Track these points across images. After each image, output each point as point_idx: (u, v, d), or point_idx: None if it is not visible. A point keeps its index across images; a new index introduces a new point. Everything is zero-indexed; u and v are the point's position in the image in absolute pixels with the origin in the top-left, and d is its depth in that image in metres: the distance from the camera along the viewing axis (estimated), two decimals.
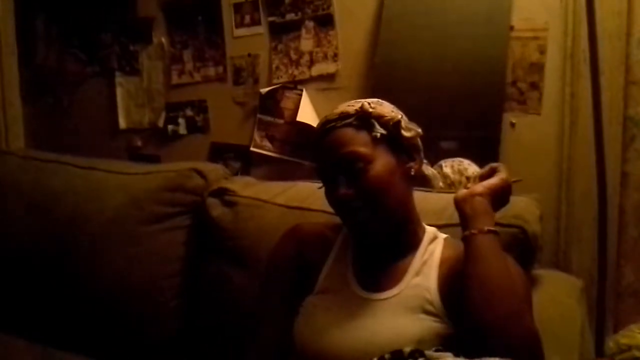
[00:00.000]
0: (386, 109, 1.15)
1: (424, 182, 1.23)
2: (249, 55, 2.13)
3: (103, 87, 2.41)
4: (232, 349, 1.45)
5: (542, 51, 1.73)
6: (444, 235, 1.21)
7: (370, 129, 1.12)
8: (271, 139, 2.09)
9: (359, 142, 1.11)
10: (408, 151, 1.16)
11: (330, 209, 1.18)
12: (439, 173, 1.60)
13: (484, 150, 1.71)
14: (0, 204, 1.89)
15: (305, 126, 1.95)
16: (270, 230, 1.43)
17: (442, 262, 1.13)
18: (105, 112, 2.40)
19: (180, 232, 1.66)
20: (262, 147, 2.11)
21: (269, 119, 2.09)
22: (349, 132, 1.12)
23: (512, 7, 1.74)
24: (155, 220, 1.66)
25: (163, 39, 2.27)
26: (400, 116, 1.15)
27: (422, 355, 0.97)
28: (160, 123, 2.30)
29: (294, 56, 2.05)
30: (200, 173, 1.70)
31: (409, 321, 1.07)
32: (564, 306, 1.36)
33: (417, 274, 1.13)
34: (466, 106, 1.76)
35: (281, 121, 2.07)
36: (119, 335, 1.64)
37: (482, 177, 1.12)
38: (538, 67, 1.74)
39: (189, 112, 2.25)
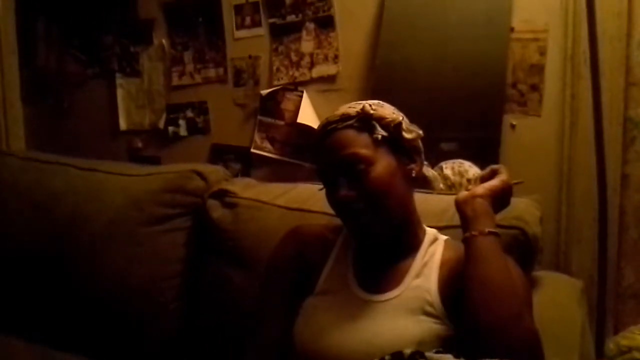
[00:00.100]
0: (387, 110, 1.15)
1: (425, 184, 1.23)
2: (250, 56, 2.13)
3: (103, 88, 2.41)
4: (232, 350, 1.45)
5: (543, 53, 1.74)
6: (445, 237, 1.21)
7: (371, 130, 1.12)
8: (272, 141, 2.09)
9: (360, 143, 1.11)
10: (409, 153, 1.16)
11: (331, 211, 1.18)
12: (439, 174, 1.60)
13: (484, 151, 1.71)
14: (1, 205, 1.89)
15: (306, 128, 1.95)
16: (270, 232, 1.43)
17: (443, 263, 1.13)
18: (105, 114, 2.41)
19: (180, 233, 1.66)
20: (263, 149, 2.11)
21: (269, 120, 2.09)
22: (350, 133, 1.12)
23: (512, 8, 1.75)
24: (156, 221, 1.66)
25: (164, 41, 2.28)
26: (401, 118, 1.15)
27: (423, 356, 0.97)
28: (161, 124, 2.30)
29: (294, 58, 2.05)
30: (200, 174, 1.69)
31: (410, 323, 1.07)
32: (564, 307, 1.36)
33: (418, 275, 1.13)
34: (466, 108, 1.76)
35: (282, 123, 2.07)
36: (119, 336, 1.64)
37: (483, 179, 1.12)
38: (538, 69, 1.74)
39: (189, 114, 2.25)
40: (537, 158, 1.75)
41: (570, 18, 1.69)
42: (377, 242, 1.14)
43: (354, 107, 1.14)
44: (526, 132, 1.76)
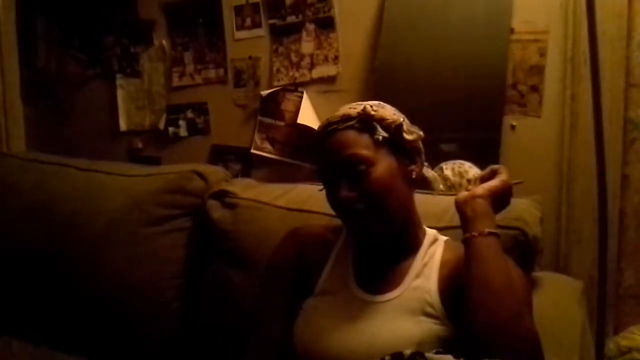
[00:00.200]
0: (388, 111, 1.15)
1: (425, 185, 1.23)
2: (250, 57, 2.13)
3: (104, 89, 2.41)
4: (232, 350, 1.45)
5: (543, 54, 1.74)
6: (445, 238, 1.21)
7: (372, 131, 1.12)
8: (272, 141, 2.09)
9: (361, 144, 1.11)
10: (409, 154, 1.16)
11: (331, 211, 1.18)
12: (439, 175, 1.60)
13: (484, 152, 1.71)
14: (1, 206, 1.89)
15: (306, 128, 1.95)
16: (270, 233, 1.43)
17: (443, 264, 1.13)
18: (106, 114, 2.41)
19: (180, 234, 1.66)
20: (263, 149, 2.11)
21: (269, 121, 2.09)
22: (351, 134, 1.12)
23: (512, 9, 1.75)
24: (156, 222, 1.66)
25: (164, 41, 2.28)
26: (402, 119, 1.15)
27: (423, 357, 0.97)
28: (161, 125, 2.30)
29: (294, 59, 2.06)
30: (200, 175, 1.70)
31: (410, 323, 1.07)
32: (564, 308, 1.36)
33: (418, 276, 1.13)
34: (466, 109, 1.76)
35: (282, 123, 2.07)
36: (119, 336, 1.64)
37: (483, 179, 1.12)
38: (538, 70, 1.74)
39: (189, 114, 2.25)
40: (537, 159, 1.75)
41: (570, 19, 1.70)
42: (377, 243, 1.14)
43: (354, 108, 1.14)
44: (526, 133, 1.76)
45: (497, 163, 1.54)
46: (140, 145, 2.36)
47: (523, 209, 1.34)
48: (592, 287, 1.64)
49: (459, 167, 1.67)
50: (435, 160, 1.65)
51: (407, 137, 1.14)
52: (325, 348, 1.10)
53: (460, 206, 1.08)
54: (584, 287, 1.49)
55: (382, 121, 1.13)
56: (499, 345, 0.93)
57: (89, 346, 1.67)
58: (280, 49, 2.08)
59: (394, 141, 1.13)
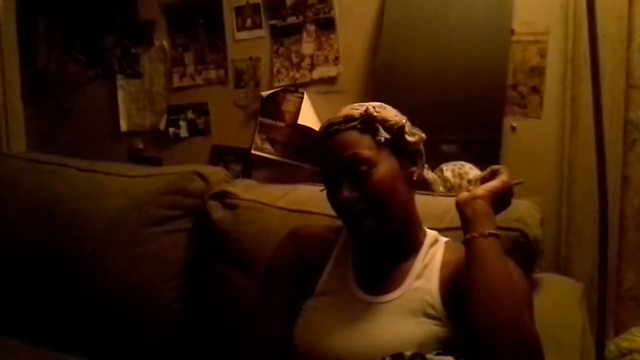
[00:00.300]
0: (390, 113, 1.15)
1: (425, 187, 1.23)
2: (250, 58, 2.13)
3: (104, 89, 2.41)
4: (232, 350, 1.45)
5: (543, 55, 1.73)
6: (445, 239, 1.21)
7: (374, 133, 1.12)
8: (272, 142, 2.09)
9: (363, 145, 1.11)
10: (411, 156, 1.16)
11: (332, 212, 1.18)
12: (439, 177, 1.60)
13: (485, 153, 1.71)
14: (2, 206, 1.89)
15: (306, 129, 1.95)
16: (271, 233, 1.43)
17: (443, 265, 1.13)
18: (106, 115, 2.41)
19: (181, 234, 1.67)
20: (263, 150, 2.11)
21: (270, 121, 2.09)
22: (353, 135, 1.12)
23: (512, 10, 1.75)
24: (156, 222, 1.67)
25: (164, 42, 2.28)
26: (404, 121, 1.15)
27: (423, 358, 0.98)
28: (162, 126, 2.30)
29: (295, 59, 2.06)
30: (201, 176, 1.70)
31: (410, 325, 1.07)
32: (565, 310, 1.36)
33: (419, 277, 1.13)
34: (467, 110, 1.76)
35: (282, 124, 2.07)
36: (119, 336, 1.65)
37: (484, 180, 1.12)
38: (539, 71, 1.74)
39: (190, 115, 2.25)
40: (538, 160, 1.75)
41: (570, 20, 1.69)
42: (378, 244, 1.14)
43: (357, 109, 1.14)
44: (526, 134, 1.76)
45: (497, 164, 1.54)
46: (140, 145, 2.35)
47: (523, 210, 1.35)
48: (592, 289, 1.64)
49: (459, 168, 1.67)
50: (436, 161, 1.65)
51: (409, 138, 1.14)
52: (325, 348, 1.10)
53: (460, 207, 1.08)
54: (584, 289, 1.49)
55: (384, 122, 1.13)
56: (500, 346, 0.93)
57: (89, 346, 1.67)
58: (281, 50, 2.08)
59: (396, 143, 1.13)
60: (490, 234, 1.02)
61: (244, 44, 2.14)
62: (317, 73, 2.02)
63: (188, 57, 2.24)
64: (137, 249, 1.65)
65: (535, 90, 1.75)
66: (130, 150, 2.37)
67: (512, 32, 1.75)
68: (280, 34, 2.08)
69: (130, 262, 1.65)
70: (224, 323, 1.53)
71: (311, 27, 2.02)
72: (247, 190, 1.65)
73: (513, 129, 1.77)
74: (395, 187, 1.11)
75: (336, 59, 1.99)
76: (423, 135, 1.18)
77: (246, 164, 2.15)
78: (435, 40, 1.82)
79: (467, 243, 1.04)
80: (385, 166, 1.11)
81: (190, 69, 2.24)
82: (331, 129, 1.13)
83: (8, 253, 1.82)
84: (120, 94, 2.37)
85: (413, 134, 1.16)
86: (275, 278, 1.24)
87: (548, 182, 1.74)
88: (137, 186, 1.74)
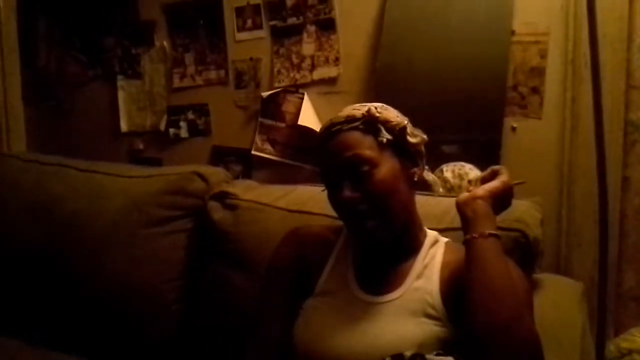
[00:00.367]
0: (392, 114, 1.16)
1: (425, 188, 1.23)
2: (251, 59, 2.13)
3: (105, 90, 2.41)
4: (232, 350, 1.45)
5: (543, 55, 1.74)
6: (445, 239, 1.21)
7: (376, 133, 1.12)
8: (272, 143, 2.09)
9: (365, 145, 1.11)
10: (412, 157, 1.16)
11: (332, 213, 1.18)
12: (439, 177, 1.60)
13: (485, 154, 1.71)
14: (1, 206, 1.89)
15: (307, 130, 1.95)
16: (271, 234, 1.43)
17: (444, 265, 1.13)
18: (106, 115, 2.41)
19: (181, 235, 1.66)
20: (264, 151, 2.11)
21: (270, 122, 2.09)
22: (356, 135, 1.12)
23: (513, 11, 1.75)
24: (157, 223, 1.67)
25: (165, 43, 2.28)
26: (406, 122, 1.15)
27: (423, 359, 0.98)
28: (162, 126, 2.30)
29: (295, 60, 2.06)
30: (201, 176, 1.70)
31: (411, 325, 1.07)
32: (565, 310, 1.36)
33: (419, 277, 1.13)
34: (467, 110, 1.76)
35: (282, 125, 2.07)
36: (119, 337, 1.64)
37: (484, 180, 1.12)
38: (539, 72, 1.74)
39: (190, 116, 2.25)
40: (538, 161, 1.75)
41: (571, 21, 1.69)
42: (379, 244, 1.14)
43: (359, 109, 1.14)
44: (527, 135, 1.76)
45: (497, 165, 1.54)
46: (141, 146, 2.36)
47: (523, 211, 1.35)
48: (592, 289, 1.64)
49: (460, 169, 1.67)
50: (436, 161, 1.65)
51: (411, 140, 1.15)
52: (325, 348, 1.10)
53: (460, 207, 1.08)
54: (584, 289, 1.49)
55: (386, 123, 1.13)
56: (500, 346, 0.93)
57: (89, 346, 1.67)
58: (281, 51, 2.08)
59: (398, 144, 1.13)
60: (490, 235, 1.02)
61: (245, 44, 2.14)
62: (318, 74, 2.02)
63: (188, 58, 2.24)
64: (137, 249, 1.65)
65: (536, 90, 1.75)
66: (130, 150, 2.37)
67: (512, 32, 1.75)
68: (280, 35, 2.08)
69: (130, 263, 1.65)
70: (224, 323, 1.53)
71: (311, 28, 2.03)
72: (247, 190, 1.65)
73: (513, 129, 1.77)
74: (397, 187, 1.11)
75: (336, 59, 1.99)
76: (425, 136, 1.18)
77: (246, 165, 2.15)
78: (436, 41, 1.82)
79: (467, 243, 1.04)
80: (387, 167, 1.11)
81: (191, 69, 2.24)
82: (333, 129, 1.13)
83: (8, 253, 1.82)
84: (121, 95, 2.38)
85: (415, 135, 1.16)
86: (275, 278, 1.24)
87: (548, 182, 1.74)
88: (138, 186, 1.74)
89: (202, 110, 2.24)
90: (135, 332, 1.63)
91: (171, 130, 2.29)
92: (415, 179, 1.16)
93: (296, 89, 2.05)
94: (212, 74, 2.20)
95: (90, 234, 1.71)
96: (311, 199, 1.52)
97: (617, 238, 1.69)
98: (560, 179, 1.74)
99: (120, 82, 2.37)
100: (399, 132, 1.13)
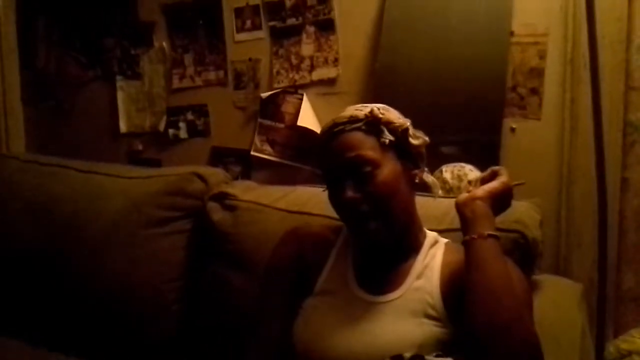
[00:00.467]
0: (394, 115, 1.16)
1: (425, 190, 1.23)
2: (250, 59, 2.13)
3: (104, 90, 2.41)
4: (232, 350, 1.45)
5: (542, 56, 1.74)
6: (445, 240, 1.21)
7: (378, 134, 1.12)
8: (272, 143, 2.09)
9: (367, 146, 1.11)
10: (414, 158, 1.16)
11: (332, 213, 1.18)
12: (438, 178, 1.60)
13: (484, 155, 1.71)
14: (1, 207, 1.89)
15: (306, 131, 1.95)
16: (270, 235, 1.42)
17: (444, 265, 1.13)
18: (106, 116, 2.41)
19: (180, 236, 1.67)
20: (263, 152, 2.11)
21: (269, 123, 2.09)
22: (358, 136, 1.12)
23: (512, 12, 1.75)
24: (156, 224, 1.67)
25: (164, 43, 2.28)
26: (408, 123, 1.15)
27: None
28: (161, 127, 2.30)
29: (294, 61, 2.06)
30: (200, 177, 1.70)
31: (411, 325, 1.07)
32: (565, 311, 1.36)
33: (419, 277, 1.13)
34: (466, 111, 1.76)
35: (282, 125, 2.07)
36: (119, 337, 1.65)
37: (484, 181, 1.13)
38: (538, 73, 1.74)
39: (189, 116, 2.25)
40: (537, 161, 1.75)
41: (570, 22, 1.69)
42: (380, 245, 1.14)
43: (361, 110, 1.14)
44: (526, 136, 1.76)
45: (497, 165, 1.54)
46: (140, 147, 2.35)
47: (523, 212, 1.35)
48: (592, 290, 1.64)
49: (459, 170, 1.67)
50: (436, 162, 1.65)
51: (413, 141, 1.15)
52: (325, 348, 1.10)
53: (460, 208, 1.08)
54: (583, 290, 1.49)
55: (389, 124, 1.13)
56: (499, 347, 0.93)
57: (89, 346, 1.67)
58: (281, 51, 2.08)
59: (400, 145, 1.13)
60: (490, 235, 1.02)
61: (244, 45, 2.14)
62: (317, 74, 2.02)
63: (188, 59, 2.24)
64: (136, 249, 1.65)
65: (535, 91, 1.75)
66: (129, 151, 2.37)
67: (511, 33, 1.75)
68: (279, 36, 2.08)
69: (130, 263, 1.65)
70: (224, 323, 1.53)
71: (311, 29, 2.03)
72: (247, 191, 1.65)
73: (512, 130, 1.77)
74: (398, 188, 1.11)
75: (336, 60, 1.99)
76: (426, 138, 1.18)
77: (246, 165, 2.15)
78: (435, 42, 1.82)
79: (466, 244, 1.04)
80: (389, 168, 1.11)
81: (190, 70, 2.24)
82: (336, 129, 1.13)
83: (8, 253, 1.82)
84: (120, 95, 2.37)
85: (417, 137, 1.16)
86: (275, 277, 1.24)
87: (547, 183, 1.74)
88: (137, 187, 1.74)
89: (201, 111, 2.24)
90: (135, 332, 1.63)
91: (170, 131, 2.29)
92: (416, 180, 1.16)
93: (295, 89, 2.05)
94: (212, 75, 2.20)
95: (90, 234, 1.71)
96: (310, 199, 1.52)
97: (616, 239, 1.69)
98: (559, 179, 1.74)
99: (120, 82, 2.37)
100: (401, 134, 1.13)
